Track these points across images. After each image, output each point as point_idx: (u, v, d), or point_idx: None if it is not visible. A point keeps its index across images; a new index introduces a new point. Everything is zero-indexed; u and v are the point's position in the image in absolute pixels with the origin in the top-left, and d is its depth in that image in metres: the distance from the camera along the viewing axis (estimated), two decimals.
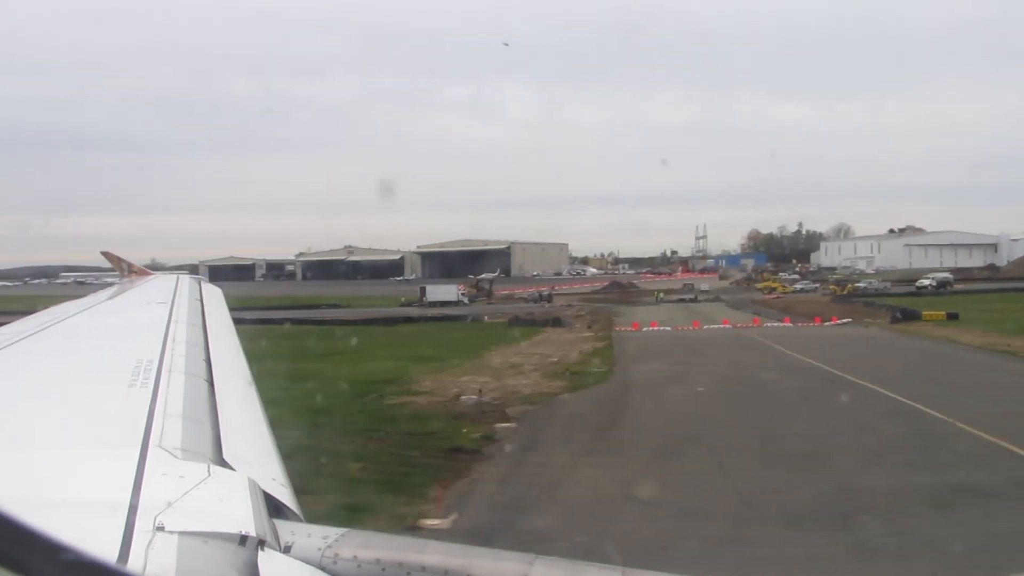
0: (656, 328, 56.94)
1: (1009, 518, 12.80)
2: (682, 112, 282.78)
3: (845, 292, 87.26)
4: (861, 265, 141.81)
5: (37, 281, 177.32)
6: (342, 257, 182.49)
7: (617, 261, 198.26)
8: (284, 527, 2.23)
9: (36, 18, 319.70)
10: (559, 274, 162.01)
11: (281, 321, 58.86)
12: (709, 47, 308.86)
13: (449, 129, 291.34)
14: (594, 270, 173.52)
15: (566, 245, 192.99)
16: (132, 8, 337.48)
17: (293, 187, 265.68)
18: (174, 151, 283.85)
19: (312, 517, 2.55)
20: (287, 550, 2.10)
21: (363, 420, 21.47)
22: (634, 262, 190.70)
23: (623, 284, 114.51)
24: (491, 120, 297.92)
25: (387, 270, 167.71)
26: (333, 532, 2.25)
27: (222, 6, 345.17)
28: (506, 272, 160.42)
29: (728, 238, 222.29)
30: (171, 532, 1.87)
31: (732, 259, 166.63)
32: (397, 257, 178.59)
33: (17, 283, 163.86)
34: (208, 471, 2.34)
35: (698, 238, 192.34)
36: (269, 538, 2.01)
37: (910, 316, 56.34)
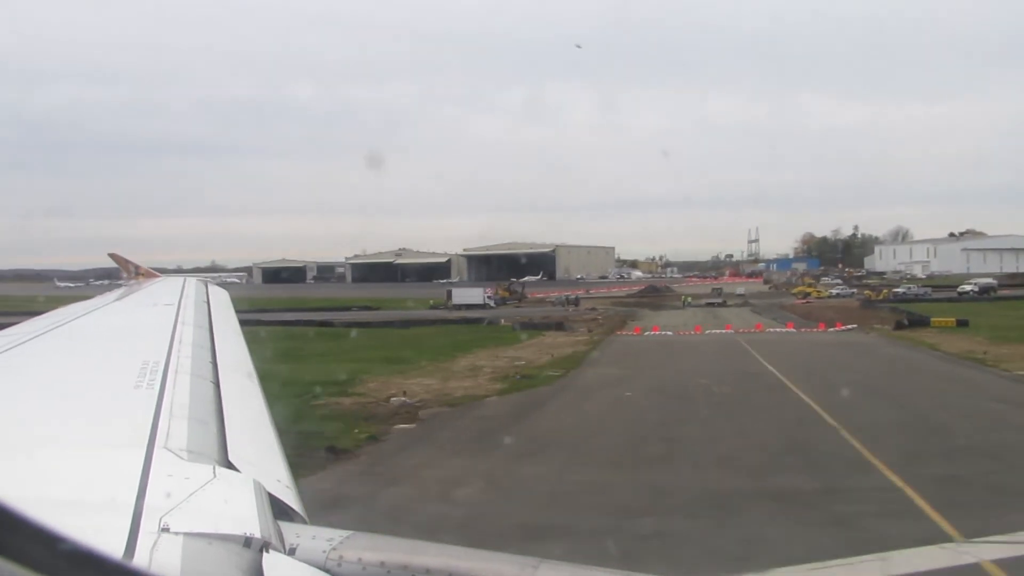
0: (655, 332, 57.55)
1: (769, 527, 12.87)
2: (739, 114, 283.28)
3: (879, 297, 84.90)
4: (916, 270, 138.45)
5: (100, 282, 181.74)
6: (390, 260, 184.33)
7: (667, 264, 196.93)
8: (289, 529, 2.23)
9: (112, 26, 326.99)
10: (604, 277, 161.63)
11: (297, 323, 61.02)
12: (767, 48, 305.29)
13: (502, 132, 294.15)
14: (639, 273, 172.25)
15: (613, 248, 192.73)
16: (204, 16, 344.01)
17: (348, 190, 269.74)
18: (239, 155, 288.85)
19: (314, 519, 2.55)
20: (292, 552, 2.10)
21: (274, 418, 21.86)
22: (686, 266, 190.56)
23: (659, 288, 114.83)
24: (545, 123, 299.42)
25: (434, 273, 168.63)
26: (338, 534, 2.25)
27: (288, 14, 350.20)
28: (551, 275, 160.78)
29: (783, 242, 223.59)
30: (176, 533, 1.87)
31: (783, 263, 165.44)
32: (444, 260, 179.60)
33: (80, 284, 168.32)
34: (213, 472, 2.34)
35: (750, 241, 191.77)
36: (274, 540, 2.01)
37: (917, 322, 55.57)
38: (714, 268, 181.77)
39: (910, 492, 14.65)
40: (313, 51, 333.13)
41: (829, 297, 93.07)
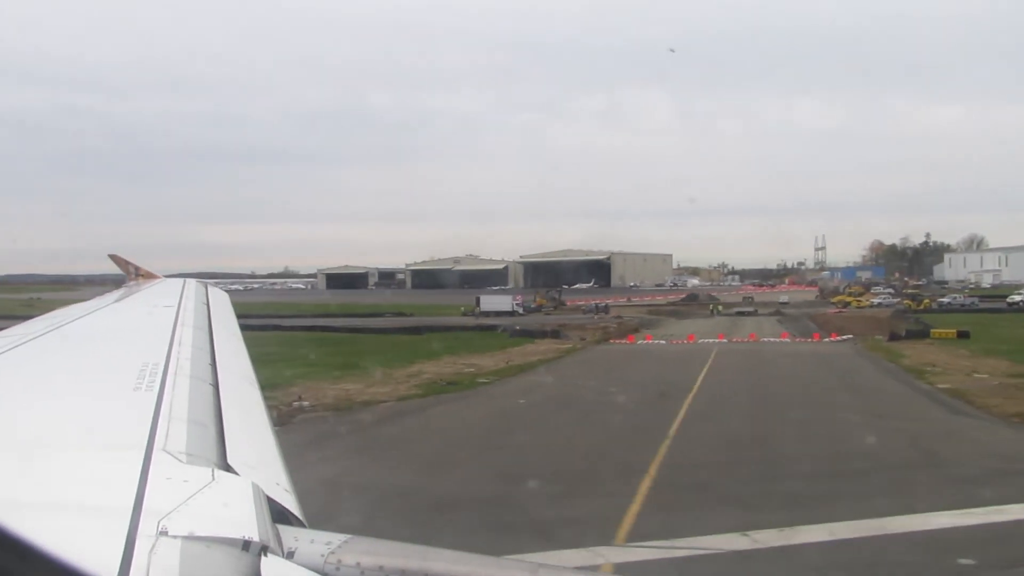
0: (647, 341, 59.08)
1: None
2: (816, 119, 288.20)
3: (920, 307, 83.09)
4: (986, 279, 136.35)
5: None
6: (449, 267, 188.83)
7: (731, 272, 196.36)
8: (287, 533, 2.22)
9: (198, 40, 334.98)
10: (661, 285, 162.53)
11: (301, 328, 64.32)
12: (847, 52, 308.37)
13: (573, 138, 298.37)
14: (696, 281, 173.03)
15: (670, 256, 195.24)
16: (284, 28, 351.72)
17: (419, 197, 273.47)
18: (317, 163, 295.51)
19: (313, 523, 2.54)
20: (290, 556, 2.09)
21: None
22: (751, 273, 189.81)
23: (699, 296, 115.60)
24: (617, 129, 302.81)
25: (491, 279, 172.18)
26: (336, 538, 2.25)
27: (366, 23, 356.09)
28: (606, 283, 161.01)
29: (852, 249, 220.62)
30: (174, 537, 1.86)
31: (848, 271, 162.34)
32: (501, 267, 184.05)
33: None
34: (212, 475, 2.33)
35: (817, 249, 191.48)
36: (272, 544, 2.00)
37: (916, 334, 55.28)
38: (778, 276, 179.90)
39: (638, 498, 15.31)
40: (390, 60, 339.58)
41: (869, 307, 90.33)
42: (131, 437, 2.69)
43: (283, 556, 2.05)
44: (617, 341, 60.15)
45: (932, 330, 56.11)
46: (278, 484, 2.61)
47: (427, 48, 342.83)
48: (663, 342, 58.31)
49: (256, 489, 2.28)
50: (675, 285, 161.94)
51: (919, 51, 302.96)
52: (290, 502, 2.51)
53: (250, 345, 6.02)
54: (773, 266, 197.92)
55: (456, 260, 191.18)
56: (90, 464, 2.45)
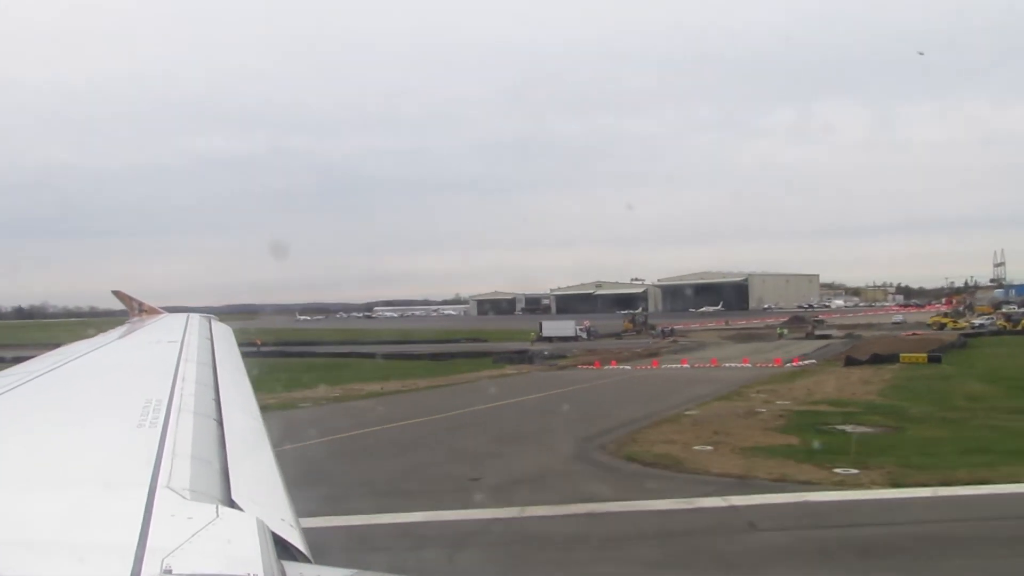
0: (655, 367, 59.36)
1: None
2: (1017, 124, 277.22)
3: (1018, 328, 79.85)
4: None
5: (339, 314, 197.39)
6: (591, 291, 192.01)
7: (898, 291, 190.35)
8: (292, 568, 2.20)
9: (390, 77, 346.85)
10: (804, 306, 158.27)
11: (345, 355, 71.72)
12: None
13: (752, 155, 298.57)
14: (840, 302, 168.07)
15: (816, 276, 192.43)
16: (470, 62, 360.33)
17: (589, 221, 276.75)
18: (502, 191, 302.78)
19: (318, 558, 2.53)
20: None
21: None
22: (922, 293, 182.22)
23: (803, 319, 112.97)
24: (803, 144, 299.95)
25: (629, 303, 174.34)
26: (342, 573, 2.23)
27: (554, 52, 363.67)
28: (743, 305, 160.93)
29: None
30: (179, 574, 1.85)
31: (1022, 288, 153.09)
32: (640, 290, 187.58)
33: (319, 317, 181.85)
34: (216, 512, 2.31)
35: (996, 265, 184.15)
36: None
37: (884, 359, 54.10)
38: (948, 294, 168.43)
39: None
40: (573, 86, 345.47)
41: (970, 328, 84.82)
42: (134, 475, 2.68)
43: None
44: (618, 365, 60.73)
45: (902, 355, 54.59)
46: (283, 520, 2.59)
47: (611, 72, 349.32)
48: (673, 366, 58.42)
49: (260, 525, 2.26)
50: (811, 307, 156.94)
51: None
52: (295, 537, 2.49)
53: (255, 371, 6.16)
54: (950, 283, 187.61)
55: (598, 284, 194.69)
56: (93, 502, 2.44)
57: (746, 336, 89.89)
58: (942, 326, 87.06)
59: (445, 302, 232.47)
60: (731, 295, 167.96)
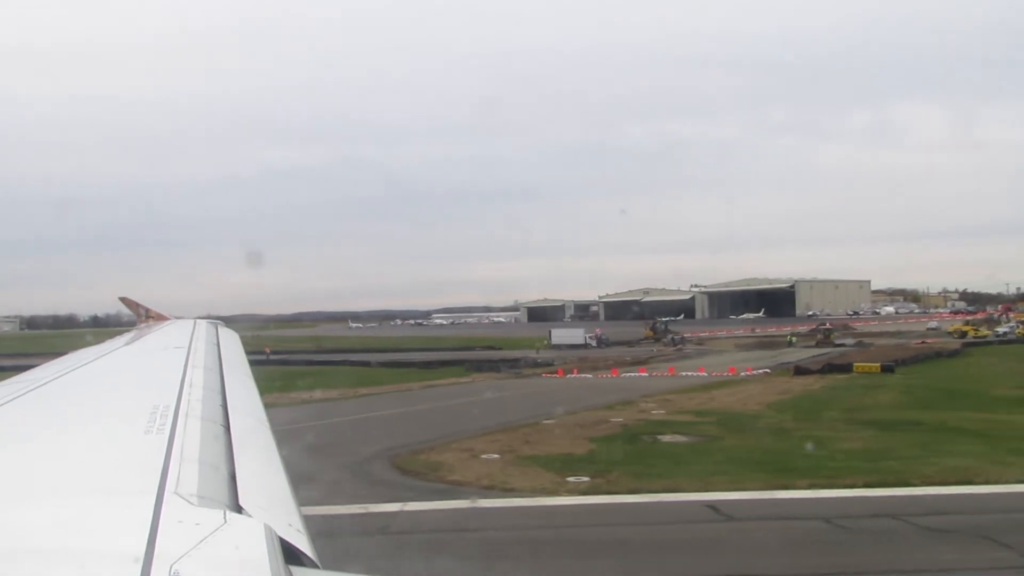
0: (590, 376, 59.69)
1: None
2: None
3: (977, 335, 78.28)
4: None
5: (396, 321, 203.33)
6: (638, 298, 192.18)
7: (961, 297, 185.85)
8: (300, 574, 2.20)
9: (453, 83, 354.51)
10: (853, 313, 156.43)
11: (343, 363, 74.04)
12: None
13: (828, 159, 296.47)
14: (890, 309, 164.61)
15: (868, 282, 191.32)
16: (535, 67, 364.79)
17: (648, 226, 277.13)
18: (568, 197, 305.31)
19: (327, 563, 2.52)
20: None
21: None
22: (986, 299, 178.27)
23: (829, 327, 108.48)
24: (881, 147, 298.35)
25: (677, 310, 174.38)
26: None
27: (615, 58, 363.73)
28: (789, 311, 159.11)
29: None
30: None
31: None
32: (687, 297, 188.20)
33: (373, 324, 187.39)
34: (224, 518, 2.31)
35: None
36: None
37: (837, 368, 53.75)
38: (1008, 301, 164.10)
39: None
40: (644, 91, 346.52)
41: (994, 336, 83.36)
42: (142, 481, 2.68)
43: None
44: (580, 374, 61.07)
45: (856, 364, 54.14)
46: (290, 525, 2.58)
47: (681, 75, 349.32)
48: (595, 378, 59.13)
49: (268, 530, 2.26)
50: (856, 313, 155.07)
51: None
52: (303, 543, 2.49)
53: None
54: (1016, 288, 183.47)
55: (645, 292, 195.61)
56: (101, 509, 2.44)
57: (759, 344, 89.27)
58: (963, 334, 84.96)
59: (504, 309, 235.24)
60: (778, 302, 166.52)
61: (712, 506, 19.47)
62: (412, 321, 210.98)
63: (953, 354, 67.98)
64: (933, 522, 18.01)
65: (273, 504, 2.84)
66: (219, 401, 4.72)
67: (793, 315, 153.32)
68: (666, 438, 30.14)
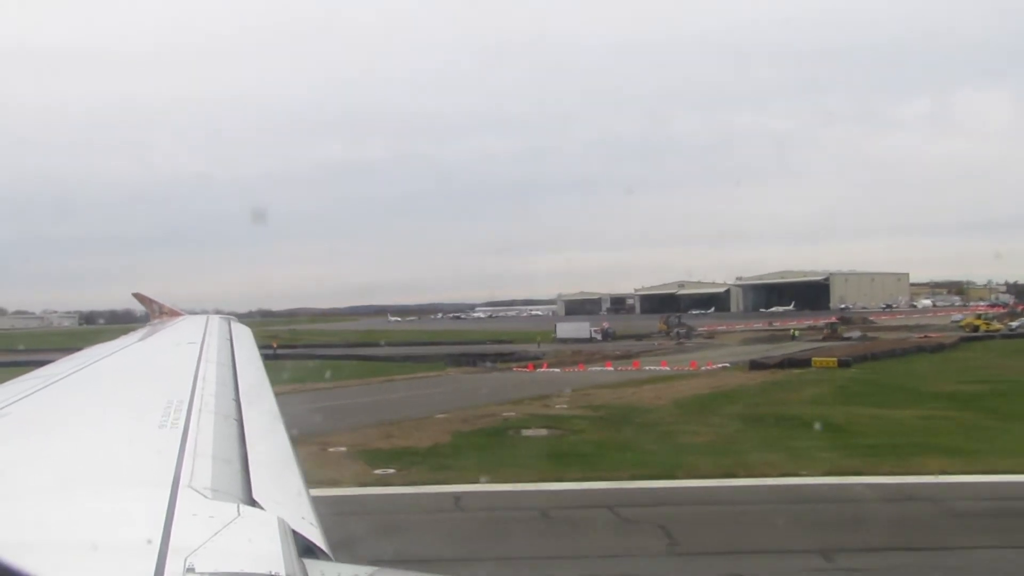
0: (558, 371, 60.14)
1: None
2: None
3: (988, 329, 75.87)
4: None
5: (438, 315, 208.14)
6: (673, 291, 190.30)
7: (1010, 289, 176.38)
8: (314, 567, 2.21)
9: (504, 78, 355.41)
10: (886, 306, 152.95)
11: (345, 357, 75.09)
12: None
13: (884, 150, 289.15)
14: (928, 302, 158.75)
15: (906, 274, 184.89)
16: (586, 61, 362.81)
17: (706, 216, 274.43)
18: (621, 190, 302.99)
19: (338, 556, 2.54)
20: None
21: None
22: None
23: (851, 319, 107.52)
24: (939, 136, 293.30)
25: (712, 302, 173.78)
26: (363, 571, 2.23)
27: (670, 47, 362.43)
28: (824, 304, 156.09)
29: None
30: (201, 573, 1.86)
31: None
32: (723, 290, 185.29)
33: (413, 318, 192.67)
34: (238, 511, 2.33)
35: None
36: None
37: (796, 363, 53.12)
38: None
39: None
40: (696, 82, 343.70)
41: (1007, 330, 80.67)
42: (157, 474, 2.70)
43: None
44: (556, 368, 61.75)
45: (815, 359, 53.56)
46: (303, 518, 2.60)
47: (733, 66, 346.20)
48: (562, 371, 59.70)
49: (282, 523, 2.27)
50: (889, 307, 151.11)
51: None
52: (316, 536, 2.50)
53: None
54: None
55: (680, 284, 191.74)
56: (117, 502, 2.46)
57: (765, 338, 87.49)
58: (976, 328, 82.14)
59: (545, 303, 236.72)
60: (814, 294, 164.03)
61: (456, 497, 20.24)
62: (452, 315, 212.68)
63: (937, 349, 65.31)
64: (631, 513, 18.74)
65: (286, 497, 2.86)
66: (232, 396, 4.74)
67: (827, 308, 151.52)
68: (529, 432, 30.22)
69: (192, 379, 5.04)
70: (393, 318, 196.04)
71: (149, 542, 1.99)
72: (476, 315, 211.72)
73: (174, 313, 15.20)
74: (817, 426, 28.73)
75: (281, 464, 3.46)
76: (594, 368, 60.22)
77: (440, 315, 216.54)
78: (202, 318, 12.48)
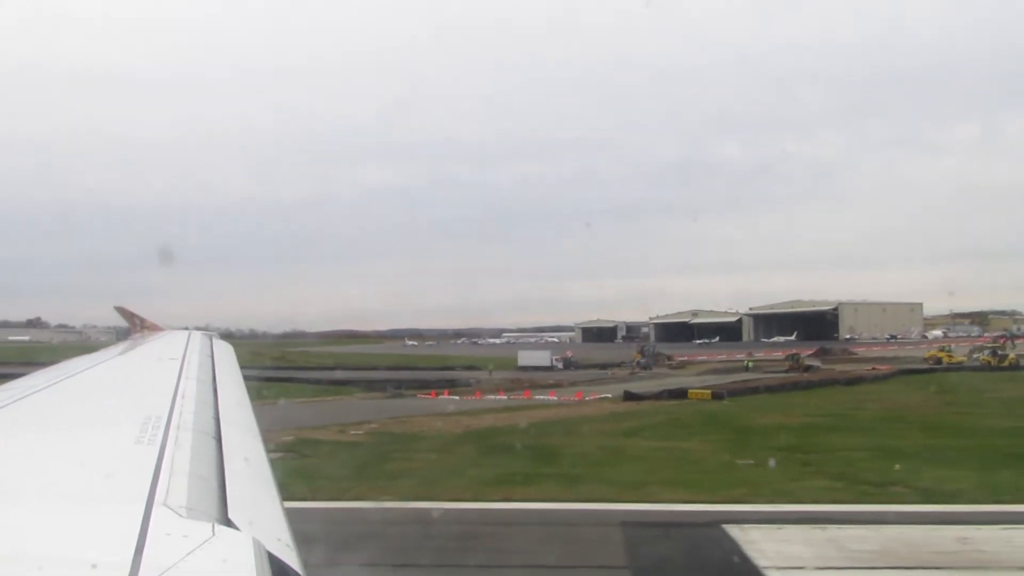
0: (457, 398, 61.81)
1: None
2: None
3: (1004, 364, 75.70)
4: None
5: (459, 340, 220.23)
6: (687, 319, 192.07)
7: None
8: None
9: (554, 108, 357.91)
10: (891, 337, 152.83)
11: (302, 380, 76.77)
12: None
13: (922, 175, 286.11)
14: (937, 332, 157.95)
15: (919, 304, 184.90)
16: (629, 85, 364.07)
17: (746, 244, 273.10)
18: (661, 216, 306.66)
19: None
20: None
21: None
22: None
23: (831, 351, 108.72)
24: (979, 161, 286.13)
25: (724, 332, 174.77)
26: None
27: (712, 74, 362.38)
28: (832, 334, 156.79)
29: None
30: None
31: None
32: (734, 319, 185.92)
33: (432, 342, 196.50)
34: (212, 531, 2.29)
35: None
36: None
37: (673, 395, 53.77)
38: None
39: None
40: (736, 108, 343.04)
41: (965, 362, 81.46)
42: (132, 491, 2.66)
43: None
44: (469, 397, 62.89)
45: (690, 391, 54.07)
46: (279, 539, 2.56)
47: (777, 92, 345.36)
48: (459, 399, 61.25)
49: (257, 545, 2.24)
50: (893, 338, 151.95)
51: None
52: (291, 558, 2.47)
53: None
54: None
55: (694, 313, 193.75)
56: (89, 519, 2.42)
57: (722, 369, 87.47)
58: (939, 360, 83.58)
59: (563, 329, 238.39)
60: (823, 325, 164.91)
61: None
62: (472, 340, 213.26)
63: (855, 381, 65.25)
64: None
65: (262, 518, 2.82)
66: (211, 413, 4.69)
67: (833, 338, 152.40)
68: (277, 455, 30.32)
69: (171, 395, 4.99)
70: (410, 342, 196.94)
71: (121, 560, 1.96)
72: (494, 341, 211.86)
73: (155, 328, 15.09)
74: (531, 455, 30.15)
75: (259, 484, 3.42)
76: (489, 397, 61.45)
77: (462, 340, 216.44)
78: (184, 334, 12.37)
